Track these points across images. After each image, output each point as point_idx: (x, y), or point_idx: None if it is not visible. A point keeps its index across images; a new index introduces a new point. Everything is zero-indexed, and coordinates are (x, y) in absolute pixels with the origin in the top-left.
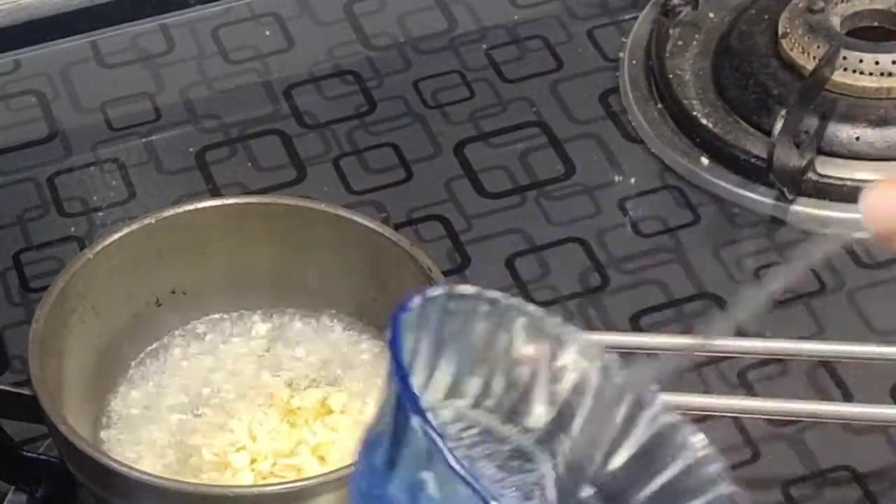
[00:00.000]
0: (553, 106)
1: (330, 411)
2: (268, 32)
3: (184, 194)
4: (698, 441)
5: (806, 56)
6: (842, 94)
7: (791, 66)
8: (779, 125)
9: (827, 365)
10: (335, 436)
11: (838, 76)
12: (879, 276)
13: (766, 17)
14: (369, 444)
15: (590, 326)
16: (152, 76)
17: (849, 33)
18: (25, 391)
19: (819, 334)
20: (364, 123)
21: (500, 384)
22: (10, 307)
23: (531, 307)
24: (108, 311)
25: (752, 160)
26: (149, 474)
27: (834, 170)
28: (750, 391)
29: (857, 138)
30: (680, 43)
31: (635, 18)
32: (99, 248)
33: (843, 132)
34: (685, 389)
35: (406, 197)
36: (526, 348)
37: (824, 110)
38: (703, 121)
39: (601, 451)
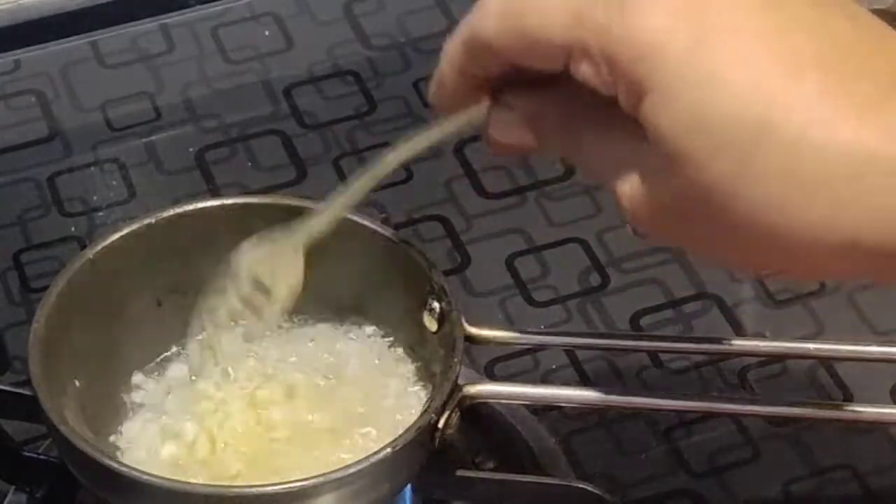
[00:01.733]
0: None
1: (329, 411)
2: (267, 32)
3: (184, 194)
4: None
5: None
6: None
7: None
8: None
9: (827, 365)
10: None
11: None
12: None
13: None
14: None
15: (590, 326)
16: (152, 76)
17: None
18: (25, 391)
19: (819, 334)
20: (364, 123)
21: None
22: (10, 307)
23: None
24: (108, 311)
25: None
26: (149, 474)
27: None
28: (750, 391)
29: None
30: None
31: None
32: (99, 248)
33: None
34: (685, 389)
35: (406, 197)
36: None
37: None
38: None
39: None
